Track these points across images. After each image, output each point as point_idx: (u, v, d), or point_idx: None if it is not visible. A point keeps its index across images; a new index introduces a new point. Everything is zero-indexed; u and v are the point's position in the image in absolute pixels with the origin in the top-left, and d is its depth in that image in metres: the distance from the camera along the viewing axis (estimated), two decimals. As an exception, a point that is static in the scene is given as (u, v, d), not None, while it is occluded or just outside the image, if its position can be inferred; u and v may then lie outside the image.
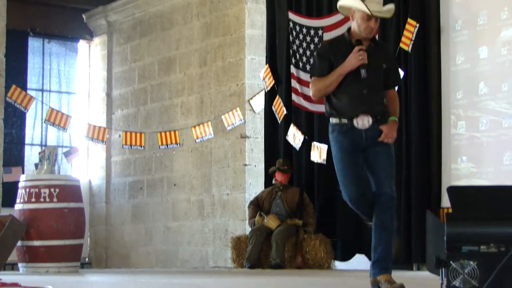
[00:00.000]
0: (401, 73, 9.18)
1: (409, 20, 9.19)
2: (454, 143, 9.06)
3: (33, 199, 8.88)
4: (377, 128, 5.72)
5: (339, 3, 6.08)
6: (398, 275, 7.89)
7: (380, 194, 5.73)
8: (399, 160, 9.37)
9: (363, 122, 5.73)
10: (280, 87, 11.00)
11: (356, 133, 5.73)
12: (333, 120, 5.80)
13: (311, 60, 10.54)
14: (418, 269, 9.33)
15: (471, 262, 4.56)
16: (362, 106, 5.73)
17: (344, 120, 5.75)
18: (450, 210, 5.12)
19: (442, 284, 4.26)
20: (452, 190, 5.04)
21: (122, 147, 11.89)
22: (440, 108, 9.18)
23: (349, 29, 5.99)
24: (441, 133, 9.17)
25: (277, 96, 10.87)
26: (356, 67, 5.73)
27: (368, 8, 5.78)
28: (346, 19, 10.16)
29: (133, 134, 11.47)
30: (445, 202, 8.70)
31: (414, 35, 9.12)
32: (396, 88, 6.08)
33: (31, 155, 13.73)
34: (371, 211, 5.80)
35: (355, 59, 5.74)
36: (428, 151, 9.19)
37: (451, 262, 4.56)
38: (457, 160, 9.02)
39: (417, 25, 9.14)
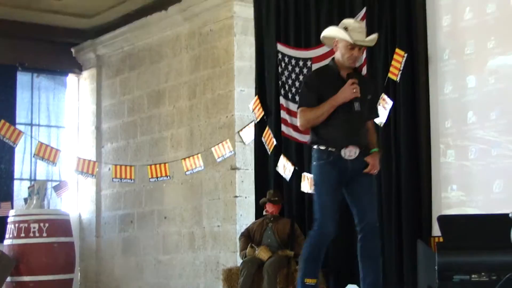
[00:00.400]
0: (390, 102, 9.27)
1: (397, 50, 9.23)
2: (443, 171, 9.07)
3: (23, 234, 8.88)
4: (362, 159, 5.76)
5: (323, 34, 6.15)
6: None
7: (364, 224, 5.78)
8: (389, 188, 9.40)
9: (350, 153, 5.79)
10: (270, 118, 11.01)
11: (343, 163, 5.77)
12: (320, 147, 5.81)
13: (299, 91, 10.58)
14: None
15: (463, 291, 4.57)
16: (353, 137, 5.79)
17: (332, 149, 5.78)
18: (441, 239, 5.13)
19: (434, 313, 4.26)
20: (442, 219, 5.06)
21: (112, 180, 11.85)
22: (429, 137, 9.20)
23: (333, 59, 6.04)
24: (430, 162, 9.17)
25: (267, 127, 10.89)
26: (349, 100, 5.78)
27: (351, 37, 5.84)
28: (333, 51, 10.24)
29: (123, 168, 11.45)
30: (436, 231, 8.69)
31: (402, 65, 9.15)
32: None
33: (20, 189, 13.66)
34: (319, 267, 5.87)
35: (349, 92, 5.80)
36: (418, 180, 9.19)
37: (442, 291, 4.57)
38: (447, 189, 9.03)
39: (405, 55, 9.17)
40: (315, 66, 10.48)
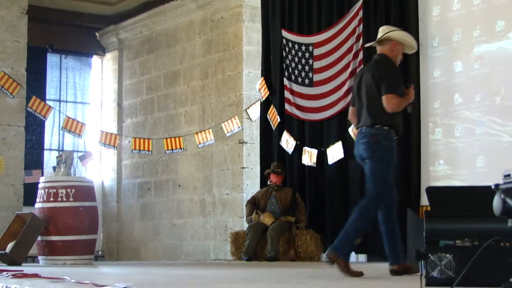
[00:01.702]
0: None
1: (390, 37, 9.19)
2: (432, 148, 9.06)
3: (52, 199, 8.87)
4: None
5: (392, 34, 6.25)
6: (381, 267, 7.89)
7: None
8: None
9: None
10: (274, 97, 10.99)
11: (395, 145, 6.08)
12: (389, 130, 6.01)
13: (308, 74, 10.54)
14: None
15: (448, 255, 4.56)
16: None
17: (394, 134, 6.01)
18: (429, 208, 5.12)
19: (421, 275, 4.26)
20: (430, 190, 5.04)
21: (132, 151, 11.87)
22: (419, 116, 9.18)
23: (385, 55, 6.25)
24: (420, 139, 9.16)
25: (272, 106, 10.88)
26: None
27: (414, 47, 6.24)
28: (333, 37, 10.22)
29: (142, 140, 11.46)
30: (424, 201, 8.70)
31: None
32: None
33: (49, 159, 13.70)
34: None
35: (413, 95, 6.24)
36: (409, 155, 9.18)
37: (429, 255, 4.56)
38: (435, 163, 9.02)
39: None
40: (316, 51, 10.45)
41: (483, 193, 4.41)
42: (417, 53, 9.27)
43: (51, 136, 13.96)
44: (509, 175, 2.53)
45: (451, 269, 4.54)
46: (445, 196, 4.96)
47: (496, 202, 2.53)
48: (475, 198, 4.63)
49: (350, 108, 6.48)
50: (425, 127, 9.13)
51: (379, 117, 6.05)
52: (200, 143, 11.37)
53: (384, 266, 7.56)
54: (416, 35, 9.30)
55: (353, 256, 10.20)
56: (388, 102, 6.02)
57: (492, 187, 2.55)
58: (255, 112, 11.09)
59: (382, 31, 6.36)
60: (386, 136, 6.05)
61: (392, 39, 6.29)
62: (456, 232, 4.64)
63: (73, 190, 8.89)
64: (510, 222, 2.50)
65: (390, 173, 6.10)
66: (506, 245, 4.40)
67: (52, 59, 14.29)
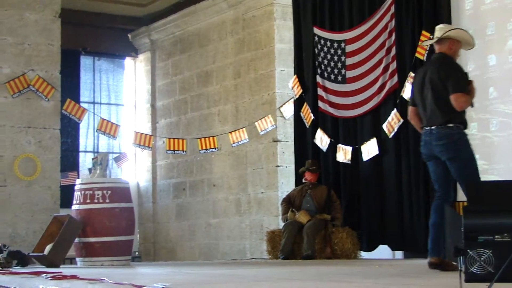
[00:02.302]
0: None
1: (423, 32, 9.15)
2: (467, 142, 8.98)
3: (88, 200, 8.93)
4: None
5: (451, 33, 6.34)
6: (419, 263, 7.85)
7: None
8: (417, 159, 9.32)
9: None
10: (307, 95, 10.97)
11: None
12: (461, 127, 6.23)
13: (341, 71, 10.51)
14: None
15: (487, 250, 4.53)
16: None
17: (464, 129, 6.27)
18: (466, 204, 5.09)
19: (461, 270, 4.23)
20: (469, 185, 5.01)
21: (166, 152, 11.93)
22: (453, 111, 9.10)
23: (446, 54, 6.34)
24: (455, 134, 9.09)
25: (305, 103, 10.86)
26: None
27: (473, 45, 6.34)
28: (365, 33, 10.17)
29: (176, 141, 11.51)
30: (460, 196, 8.63)
31: (428, 46, 9.07)
32: None
33: (85, 161, 13.82)
34: None
35: (475, 91, 6.42)
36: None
37: (468, 251, 4.53)
38: (470, 158, 8.94)
39: (431, 36, 9.06)
40: (348, 48, 10.41)
41: (522, 188, 4.37)
42: (451, 47, 9.21)
43: (86, 138, 14.07)
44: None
45: (490, 265, 4.50)
46: (483, 191, 4.93)
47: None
48: (513, 192, 4.60)
49: (410, 108, 6.61)
50: (460, 122, 9.06)
51: (450, 115, 6.21)
52: (234, 142, 11.39)
53: (422, 263, 7.51)
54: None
55: (389, 252, 10.18)
56: (457, 100, 6.15)
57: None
58: (288, 110, 11.09)
59: (440, 30, 6.50)
60: (461, 133, 6.24)
61: (450, 37, 6.42)
62: (495, 227, 4.60)
63: (109, 192, 8.95)
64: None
65: (477, 166, 6.26)
66: (546, 240, 4.36)
67: (85, 62, 14.40)
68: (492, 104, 8.73)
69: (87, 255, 8.90)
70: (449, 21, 9.23)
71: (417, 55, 9.20)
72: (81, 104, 12.39)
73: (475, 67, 8.97)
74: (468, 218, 4.65)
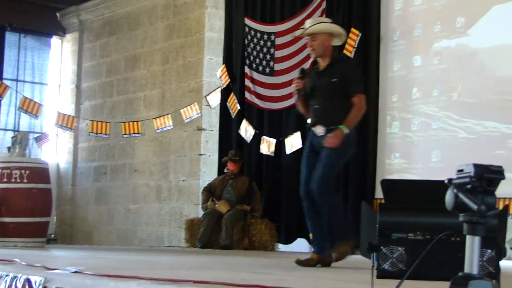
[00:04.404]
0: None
1: (352, 29, 9.24)
2: (388, 141, 9.12)
3: (5, 179, 8.76)
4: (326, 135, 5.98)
5: (323, 27, 6.27)
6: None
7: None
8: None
9: (318, 130, 5.98)
10: (235, 85, 10.98)
11: (315, 138, 6.03)
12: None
13: (269, 63, 10.54)
14: (353, 253, 9.37)
15: (400, 248, 4.60)
16: (319, 118, 5.98)
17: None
18: (383, 201, 5.16)
19: (373, 267, 4.29)
20: (385, 183, 5.07)
21: (89, 134, 11.77)
22: (377, 109, 9.24)
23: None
24: (377, 132, 9.22)
25: (232, 93, 10.86)
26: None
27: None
28: (295, 27, 10.21)
29: (99, 123, 11.37)
30: (379, 193, 8.76)
31: (356, 43, 9.17)
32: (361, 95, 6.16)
33: (4, 139, 13.53)
34: None
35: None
36: (365, 147, 9.24)
37: (381, 247, 4.60)
38: (390, 156, 9.09)
39: (360, 34, 9.19)
40: (278, 40, 10.46)
41: (437, 187, 4.44)
42: (377, 46, 9.35)
43: (7, 116, 13.79)
44: (462, 170, 2.55)
45: (402, 262, 4.57)
46: (400, 189, 5.00)
47: (449, 196, 2.54)
48: (428, 192, 4.67)
49: None
50: (382, 120, 9.20)
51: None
52: (158, 128, 11.32)
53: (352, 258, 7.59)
54: (377, 28, 9.36)
55: (306, 246, 10.26)
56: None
57: (446, 181, 2.56)
58: (214, 99, 11.07)
59: (310, 23, 6.31)
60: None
61: (321, 31, 6.23)
62: (409, 225, 4.68)
63: (27, 172, 8.79)
64: (462, 216, 2.52)
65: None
66: (457, 240, 4.45)
67: (10, 38, 14.09)
68: (414, 104, 8.88)
69: (1, 235, 8.70)
70: (378, 20, 9.35)
71: (345, 52, 9.28)
72: (4, 81, 12.12)
73: (400, 67, 9.10)
74: (383, 215, 4.71)
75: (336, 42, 6.34)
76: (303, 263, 5.91)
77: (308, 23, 6.29)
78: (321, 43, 6.14)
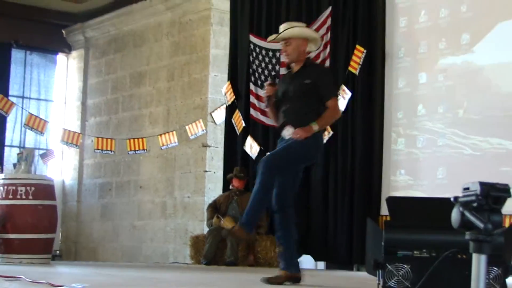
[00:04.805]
0: (349, 93, 9.29)
1: (357, 46, 9.26)
2: (394, 157, 9.11)
3: (11, 196, 8.77)
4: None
5: (297, 32, 6.10)
6: (339, 275, 7.91)
7: None
8: (344, 171, 9.43)
9: (287, 132, 5.87)
10: (240, 102, 10.99)
11: (283, 143, 5.89)
12: None
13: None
14: (358, 270, 9.36)
15: (405, 265, 4.59)
16: (288, 120, 5.87)
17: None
18: (389, 218, 5.15)
19: (378, 284, 4.28)
20: (391, 200, 5.07)
21: (94, 151, 11.79)
22: (382, 126, 9.23)
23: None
24: (382, 148, 9.22)
25: (237, 110, 10.87)
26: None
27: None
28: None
29: (105, 140, 11.38)
30: (384, 210, 8.74)
31: (361, 60, 9.19)
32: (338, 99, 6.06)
33: (10, 155, 13.55)
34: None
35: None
36: (371, 164, 9.23)
37: (387, 264, 4.59)
38: (396, 173, 9.08)
39: (365, 51, 9.20)
40: (283, 57, 10.45)
41: (442, 205, 4.44)
42: (382, 63, 9.36)
43: (13, 133, 13.81)
44: (468, 188, 2.54)
45: (408, 280, 4.56)
46: (405, 207, 5.00)
47: (455, 214, 2.54)
48: (434, 209, 4.67)
49: None
50: (387, 137, 9.19)
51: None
52: (163, 145, 11.33)
53: (343, 274, 7.58)
54: (382, 45, 9.37)
55: (311, 263, 10.24)
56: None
57: (451, 199, 2.56)
58: (220, 116, 11.08)
59: (283, 28, 6.13)
60: None
61: (295, 36, 6.06)
62: (414, 243, 4.67)
63: (32, 188, 8.80)
64: (468, 235, 2.51)
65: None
66: (463, 257, 4.44)
67: (16, 55, 14.14)
68: (420, 121, 8.88)
69: (6, 251, 8.72)
70: (383, 37, 9.38)
71: (350, 68, 9.30)
72: (10, 98, 12.15)
73: (405, 84, 9.11)
74: (388, 232, 4.71)
75: (311, 48, 6.16)
76: (271, 280, 5.72)
77: (282, 27, 6.11)
78: (296, 48, 5.96)
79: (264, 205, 5.87)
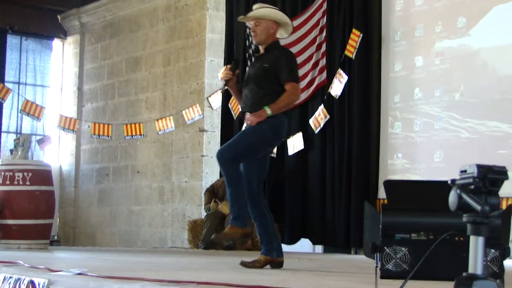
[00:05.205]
0: (345, 77, 9.28)
1: (353, 30, 9.25)
2: (391, 141, 9.13)
3: (8, 182, 8.76)
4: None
5: (267, 12, 5.95)
6: (337, 258, 7.94)
7: None
8: (341, 155, 9.44)
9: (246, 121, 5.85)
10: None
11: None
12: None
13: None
14: (356, 253, 9.39)
15: (403, 248, 4.60)
16: (246, 106, 5.81)
17: None
18: (386, 201, 5.16)
19: (376, 267, 4.29)
20: (388, 183, 5.09)
21: (91, 136, 11.80)
22: (379, 110, 9.24)
23: None
24: (379, 132, 9.23)
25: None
26: None
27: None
28: (296, 28, 10.15)
29: (101, 125, 11.39)
30: (382, 194, 8.76)
31: (358, 44, 9.19)
32: (294, 83, 5.84)
33: (7, 141, 13.54)
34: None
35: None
36: (368, 148, 9.25)
37: (385, 247, 4.60)
38: (393, 157, 9.09)
39: (361, 35, 9.19)
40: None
41: (440, 188, 4.45)
42: (379, 46, 9.35)
43: (9, 119, 13.80)
44: (465, 171, 2.55)
45: (406, 262, 4.58)
46: (402, 190, 5.01)
47: (452, 197, 2.54)
48: (431, 192, 4.68)
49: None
50: (384, 121, 9.20)
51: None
52: (160, 130, 11.33)
53: (341, 258, 7.60)
54: (378, 29, 9.37)
55: (310, 246, 10.27)
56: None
57: (449, 182, 2.57)
58: (216, 100, 11.07)
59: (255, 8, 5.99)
60: None
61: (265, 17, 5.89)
62: (412, 225, 4.68)
63: (30, 174, 8.79)
64: (465, 217, 2.52)
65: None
66: (461, 240, 4.46)
67: (12, 41, 14.10)
68: (416, 104, 8.88)
69: (4, 237, 8.72)
70: (379, 21, 9.36)
71: (346, 52, 9.30)
72: (6, 84, 12.14)
73: (402, 68, 9.11)
74: (386, 215, 4.72)
75: (283, 34, 5.97)
76: (248, 264, 5.67)
77: (254, 7, 5.96)
78: (265, 29, 5.79)
79: (240, 196, 5.73)
